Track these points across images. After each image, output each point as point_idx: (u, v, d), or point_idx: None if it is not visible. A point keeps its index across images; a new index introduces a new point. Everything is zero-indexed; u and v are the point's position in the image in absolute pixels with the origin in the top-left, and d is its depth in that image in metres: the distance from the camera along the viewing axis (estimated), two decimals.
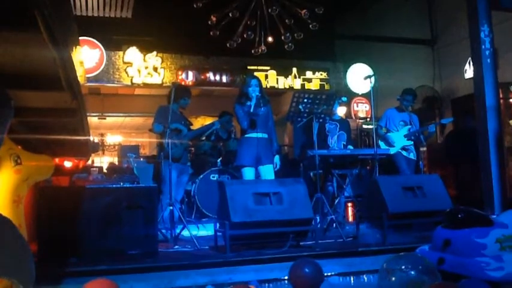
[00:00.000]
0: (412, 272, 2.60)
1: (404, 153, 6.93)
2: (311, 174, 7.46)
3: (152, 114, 6.26)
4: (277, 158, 5.67)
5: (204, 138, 7.87)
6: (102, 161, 16.19)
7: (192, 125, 6.47)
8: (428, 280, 2.58)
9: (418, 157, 7.27)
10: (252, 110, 5.40)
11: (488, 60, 5.88)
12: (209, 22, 8.68)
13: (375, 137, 6.48)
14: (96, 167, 12.63)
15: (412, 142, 7.03)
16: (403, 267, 2.65)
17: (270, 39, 9.32)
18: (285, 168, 6.52)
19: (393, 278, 2.61)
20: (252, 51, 9.28)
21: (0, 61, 2.38)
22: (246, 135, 5.52)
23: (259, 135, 5.48)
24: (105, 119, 14.74)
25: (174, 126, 5.80)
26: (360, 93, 12.79)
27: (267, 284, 3.58)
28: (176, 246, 4.71)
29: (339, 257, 4.14)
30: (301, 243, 4.64)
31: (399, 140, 6.95)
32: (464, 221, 3.51)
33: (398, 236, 4.57)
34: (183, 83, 11.60)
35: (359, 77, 11.14)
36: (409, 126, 7.00)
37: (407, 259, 2.76)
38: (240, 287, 3.17)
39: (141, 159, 8.92)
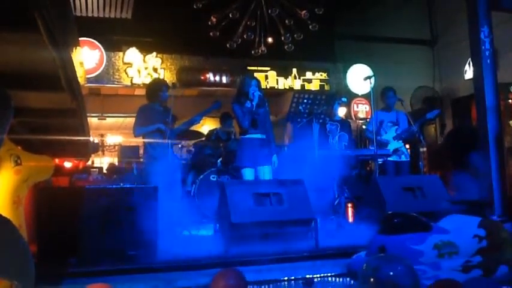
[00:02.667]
0: (391, 273, 2.55)
1: (394, 157, 6.83)
2: None
3: None
4: (275, 158, 5.67)
5: (203, 138, 7.87)
6: (102, 162, 16.20)
7: (177, 119, 6.33)
8: (408, 281, 2.54)
9: (418, 157, 7.24)
10: (254, 110, 5.40)
11: (488, 61, 5.88)
12: (209, 23, 8.70)
13: (375, 137, 6.47)
14: (96, 167, 12.67)
15: (402, 143, 6.96)
16: (383, 268, 2.60)
17: (269, 39, 9.34)
18: (285, 168, 6.52)
19: (372, 280, 2.57)
20: (252, 52, 9.30)
21: (1, 61, 2.39)
22: (247, 136, 5.52)
23: (259, 135, 5.50)
24: (105, 119, 14.75)
25: (156, 127, 5.63)
26: (360, 94, 12.80)
27: (266, 285, 3.57)
28: (176, 247, 4.70)
29: (338, 257, 4.13)
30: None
31: (390, 144, 6.91)
32: (400, 226, 3.34)
33: None
34: (182, 84, 11.60)
35: (359, 77, 11.15)
36: (396, 127, 6.95)
37: (387, 260, 2.71)
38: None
39: (141, 159, 8.92)
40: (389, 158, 6.74)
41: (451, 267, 3.02)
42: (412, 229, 3.27)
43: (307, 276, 3.57)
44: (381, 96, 7.10)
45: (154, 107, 5.79)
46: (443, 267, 3.00)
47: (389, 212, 3.65)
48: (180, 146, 8.43)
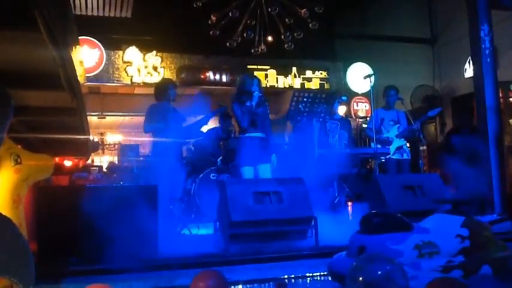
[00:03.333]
0: (379, 272, 2.50)
1: (396, 156, 6.85)
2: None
3: None
4: (274, 157, 5.68)
5: (201, 138, 7.87)
6: (102, 161, 16.20)
7: (185, 120, 6.43)
8: (396, 281, 2.49)
9: (418, 156, 7.24)
10: (253, 109, 5.41)
11: (488, 59, 5.88)
12: (209, 21, 8.69)
13: (375, 136, 6.48)
14: (96, 166, 12.67)
15: (405, 141, 6.98)
16: (371, 268, 2.55)
17: (269, 38, 9.34)
18: (284, 167, 6.53)
19: (360, 279, 2.52)
20: (252, 51, 9.30)
21: (0, 60, 2.39)
22: (246, 135, 5.53)
23: (259, 134, 5.51)
24: (104, 118, 14.74)
25: (165, 125, 5.72)
26: (360, 93, 12.80)
27: (267, 284, 3.58)
28: (176, 245, 4.71)
29: None
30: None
31: (393, 142, 6.91)
32: (380, 226, 3.24)
33: None
34: (182, 82, 11.61)
35: (359, 76, 11.15)
36: (398, 125, 6.96)
37: (375, 260, 2.65)
38: None
39: (141, 158, 8.93)
40: (391, 156, 6.76)
41: (431, 267, 2.95)
42: (393, 229, 3.19)
43: (304, 274, 3.56)
44: (383, 94, 7.12)
45: (163, 105, 5.89)
46: (424, 268, 2.93)
47: (369, 212, 3.58)
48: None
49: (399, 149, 6.87)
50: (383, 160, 6.76)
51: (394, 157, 6.80)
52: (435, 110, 7.21)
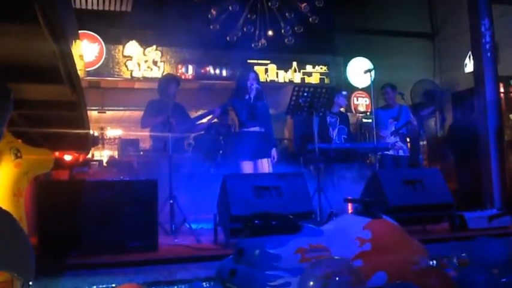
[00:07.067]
0: (337, 278, 2.34)
1: (391, 152, 6.86)
2: (311, 167, 7.46)
3: None
4: (274, 151, 5.69)
5: (202, 132, 7.87)
6: (102, 155, 16.19)
7: (187, 115, 6.43)
8: (351, 285, 2.32)
9: (417, 151, 7.24)
10: (251, 103, 5.43)
11: (489, 54, 5.88)
12: (209, 16, 8.68)
13: (375, 130, 6.48)
14: (96, 160, 12.65)
15: (399, 139, 6.96)
16: (325, 271, 2.37)
17: (270, 33, 9.32)
18: (284, 161, 6.53)
19: (311, 283, 2.35)
20: (252, 45, 9.28)
21: (0, 53, 2.38)
22: (245, 129, 5.54)
23: (258, 128, 5.51)
24: (105, 112, 14.73)
25: (162, 120, 5.71)
26: (360, 87, 12.78)
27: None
28: (176, 240, 4.72)
29: None
30: None
31: (387, 139, 6.92)
32: (262, 227, 3.02)
33: None
34: (182, 77, 11.60)
35: (359, 70, 11.15)
36: (395, 123, 6.95)
37: (331, 263, 2.43)
38: None
39: (141, 152, 8.92)
40: (386, 152, 6.76)
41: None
42: (275, 231, 2.94)
43: None
44: (381, 91, 7.14)
45: (162, 100, 5.87)
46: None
47: (253, 213, 3.31)
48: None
49: (392, 146, 6.86)
50: (378, 157, 6.77)
51: (389, 153, 6.80)
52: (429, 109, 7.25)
